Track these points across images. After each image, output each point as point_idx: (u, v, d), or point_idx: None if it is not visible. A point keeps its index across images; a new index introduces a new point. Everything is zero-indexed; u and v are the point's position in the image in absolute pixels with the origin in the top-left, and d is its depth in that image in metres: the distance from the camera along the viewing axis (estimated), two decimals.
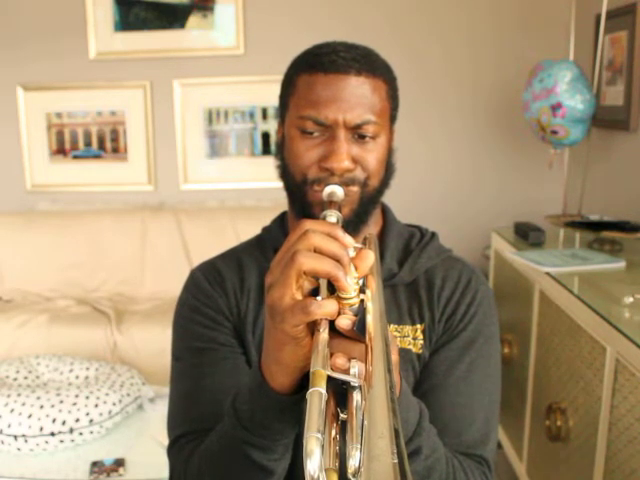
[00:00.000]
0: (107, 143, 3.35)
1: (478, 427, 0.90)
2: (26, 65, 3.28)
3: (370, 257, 0.65)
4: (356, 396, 0.57)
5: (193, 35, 3.23)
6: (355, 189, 0.87)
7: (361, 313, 0.62)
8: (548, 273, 1.89)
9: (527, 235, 2.24)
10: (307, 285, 0.64)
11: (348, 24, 3.09)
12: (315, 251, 0.63)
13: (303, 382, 0.69)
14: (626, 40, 2.39)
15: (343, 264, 0.62)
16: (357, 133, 0.86)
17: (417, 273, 0.95)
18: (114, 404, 2.15)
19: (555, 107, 2.32)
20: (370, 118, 0.85)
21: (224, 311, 0.94)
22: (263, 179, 3.24)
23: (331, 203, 0.82)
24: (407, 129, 3.16)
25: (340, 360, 0.59)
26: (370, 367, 0.55)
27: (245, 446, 0.74)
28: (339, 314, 0.62)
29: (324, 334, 0.60)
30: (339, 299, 0.62)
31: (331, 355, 0.59)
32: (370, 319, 0.61)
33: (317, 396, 0.54)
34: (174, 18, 3.22)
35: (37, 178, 3.39)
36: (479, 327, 0.93)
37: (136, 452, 2.03)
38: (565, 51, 2.74)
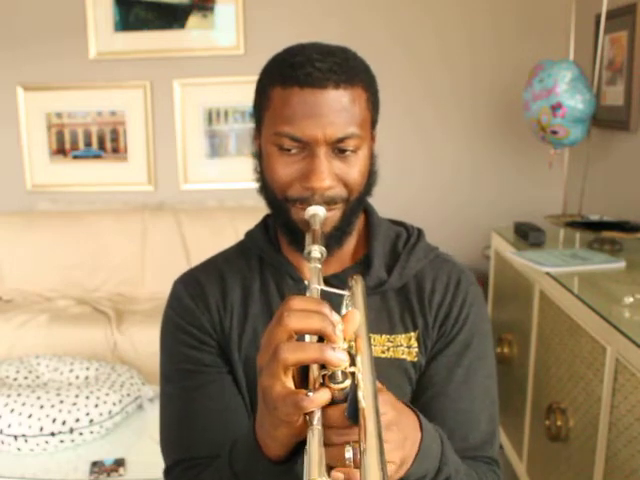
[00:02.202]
0: (107, 143, 3.35)
1: (483, 429, 0.90)
2: (26, 65, 3.28)
3: (356, 319, 0.65)
4: None
5: (193, 35, 3.23)
6: (337, 206, 0.85)
7: (352, 393, 0.61)
8: (548, 273, 1.89)
9: (527, 235, 2.24)
10: (295, 379, 0.64)
11: (348, 24, 3.09)
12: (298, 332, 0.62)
13: (298, 448, 0.69)
14: (626, 40, 2.39)
15: (328, 336, 0.62)
16: (337, 148, 0.82)
17: (407, 278, 0.93)
18: (114, 404, 2.15)
19: (555, 107, 2.32)
20: (352, 131, 0.81)
21: (208, 329, 0.93)
22: None
23: (314, 232, 0.80)
24: (407, 129, 3.17)
25: (337, 475, 0.59)
26: (364, 445, 0.55)
27: None
28: (332, 398, 0.62)
29: (317, 427, 0.60)
30: (330, 384, 0.62)
31: (325, 445, 0.59)
32: (361, 396, 0.60)
33: None
34: (174, 18, 3.22)
35: (37, 178, 3.39)
36: (473, 328, 0.92)
37: (136, 452, 2.03)
38: (565, 51, 2.74)
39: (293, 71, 0.81)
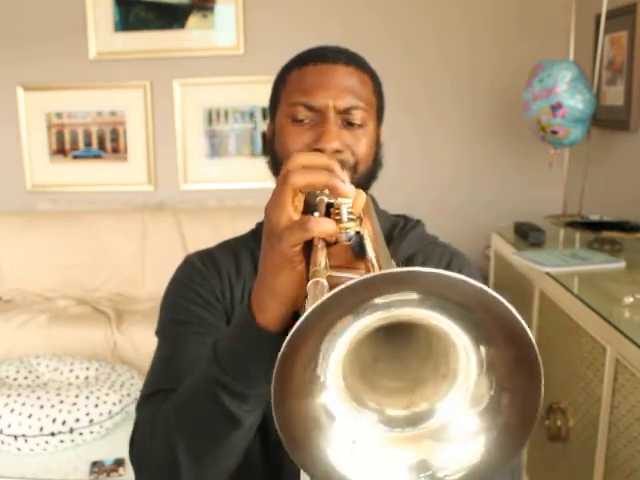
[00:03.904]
0: (107, 143, 3.35)
1: None
2: (26, 65, 3.28)
3: (362, 196, 0.66)
4: None
5: (193, 35, 3.23)
6: (345, 173, 0.86)
7: (357, 239, 0.62)
8: (548, 273, 1.89)
9: (527, 235, 2.23)
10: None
11: (348, 24, 3.09)
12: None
13: (290, 327, 0.68)
14: (626, 40, 2.39)
15: (337, 173, 0.63)
16: (346, 120, 0.87)
17: (396, 262, 0.93)
18: (114, 404, 2.15)
19: (555, 107, 2.32)
20: (359, 104, 0.87)
21: (216, 292, 0.93)
22: (263, 179, 3.21)
23: None
24: (407, 129, 3.16)
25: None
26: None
27: (217, 388, 0.70)
28: (336, 242, 0.62)
29: (322, 250, 0.60)
30: (336, 223, 0.62)
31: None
32: (368, 244, 0.60)
33: (319, 284, 0.54)
34: (174, 18, 3.22)
35: (37, 178, 3.39)
36: None
37: None
38: (565, 51, 2.74)
39: (309, 54, 0.91)
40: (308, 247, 0.63)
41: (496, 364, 0.52)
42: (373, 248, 0.59)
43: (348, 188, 0.63)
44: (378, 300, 0.49)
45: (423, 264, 0.93)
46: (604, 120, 2.57)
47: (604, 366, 1.51)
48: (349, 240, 0.62)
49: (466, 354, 0.52)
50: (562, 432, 1.74)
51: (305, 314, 0.48)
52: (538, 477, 2.04)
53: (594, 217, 2.29)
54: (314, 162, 0.64)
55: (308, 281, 0.57)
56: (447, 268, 0.93)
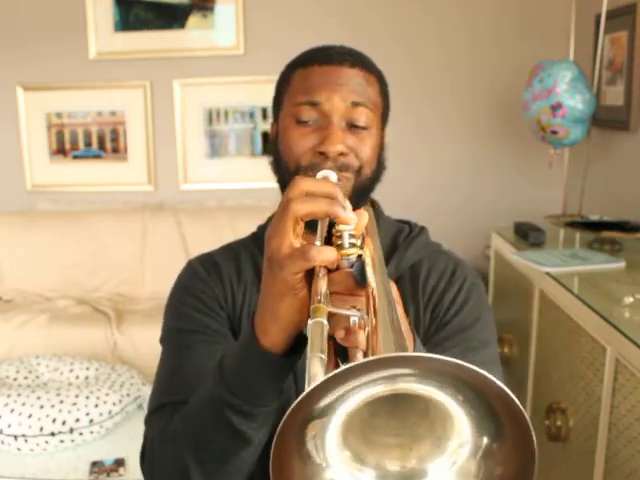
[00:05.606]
0: (107, 143, 3.35)
1: None
2: (26, 65, 3.28)
3: (364, 216, 0.66)
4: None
5: (193, 35, 3.23)
6: (349, 176, 0.86)
7: (359, 264, 0.62)
8: (548, 273, 1.89)
9: (527, 235, 2.23)
10: (303, 242, 0.65)
11: (348, 24, 3.09)
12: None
13: (293, 347, 0.69)
14: (626, 40, 2.39)
15: (338, 200, 0.63)
16: (350, 122, 0.86)
17: (402, 270, 0.94)
18: (114, 404, 2.15)
19: (555, 107, 2.32)
20: (363, 107, 0.87)
21: (219, 299, 0.94)
22: (263, 179, 3.21)
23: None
24: (407, 129, 3.16)
25: (339, 332, 0.59)
26: (372, 310, 0.55)
27: (225, 409, 0.71)
28: (337, 268, 0.62)
29: (323, 278, 0.61)
30: (337, 249, 0.63)
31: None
32: (369, 270, 0.61)
33: (319, 325, 0.54)
34: (174, 18, 3.22)
35: (37, 178, 3.39)
36: (474, 313, 0.91)
37: (136, 452, 2.02)
38: (565, 51, 2.74)
39: (313, 54, 0.90)
40: (310, 272, 0.63)
41: (492, 448, 0.52)
42: (373, 274, 0.60)
43: (349, 215, 0.63)
44: (370, 378, 0.48)
45: (429, 271, 0.94)
46: (604, 120, 2.57)
47: (604, 366, 1.51)
48: (351, 266, 0.63)
49: (461, 428, 0.52)
50: (562, 432, 1.74)
51: (285, 416, 0.46)
52: (538, 477, 2.04)
53: (594, 217, 2.29)
54: (315, 189, 0.64)
55: (310, 306, 0.58)
56: (452, 276, 0.94)
